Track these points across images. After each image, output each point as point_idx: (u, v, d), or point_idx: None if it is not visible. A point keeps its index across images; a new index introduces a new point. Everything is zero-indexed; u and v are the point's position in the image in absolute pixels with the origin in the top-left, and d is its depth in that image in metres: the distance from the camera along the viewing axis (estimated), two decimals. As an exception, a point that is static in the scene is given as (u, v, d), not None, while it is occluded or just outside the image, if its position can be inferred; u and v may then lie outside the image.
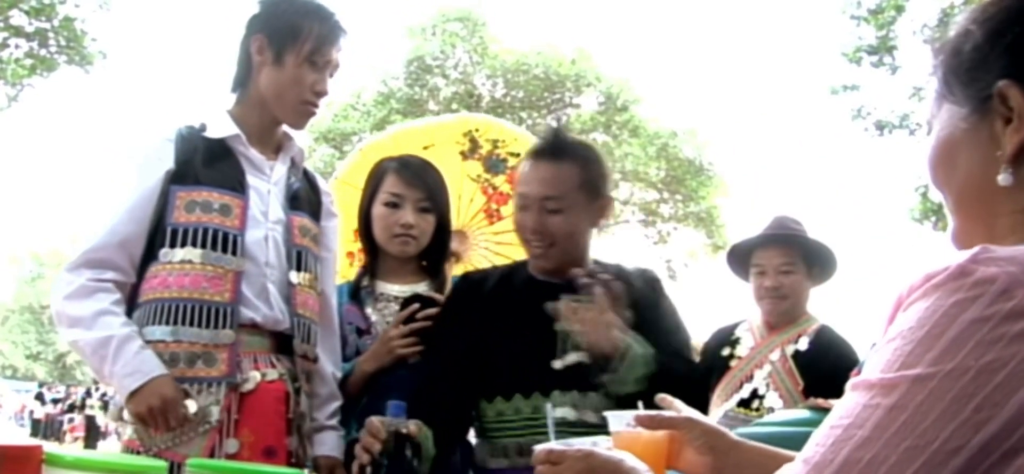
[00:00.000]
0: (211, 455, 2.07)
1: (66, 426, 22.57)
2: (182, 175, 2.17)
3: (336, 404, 2.37)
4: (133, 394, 2.04)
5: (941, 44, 0.97)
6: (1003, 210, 0.90)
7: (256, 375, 2.17)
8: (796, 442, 1.53)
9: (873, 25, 13.75)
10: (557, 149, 2.21)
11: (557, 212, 2.17)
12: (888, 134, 14.18)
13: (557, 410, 2.03)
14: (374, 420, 1.81)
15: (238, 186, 2.21)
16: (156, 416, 2.03)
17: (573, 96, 21.93)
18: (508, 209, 3.47)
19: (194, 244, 2.13)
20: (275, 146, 2.34)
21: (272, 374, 2.20)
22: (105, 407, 20.59)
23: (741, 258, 3.21)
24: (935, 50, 0.98)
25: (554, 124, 2.65)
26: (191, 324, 2.11)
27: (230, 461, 2.04)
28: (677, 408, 1.40)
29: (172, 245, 2.14)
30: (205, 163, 2.20)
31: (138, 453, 2.07)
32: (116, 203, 2.18)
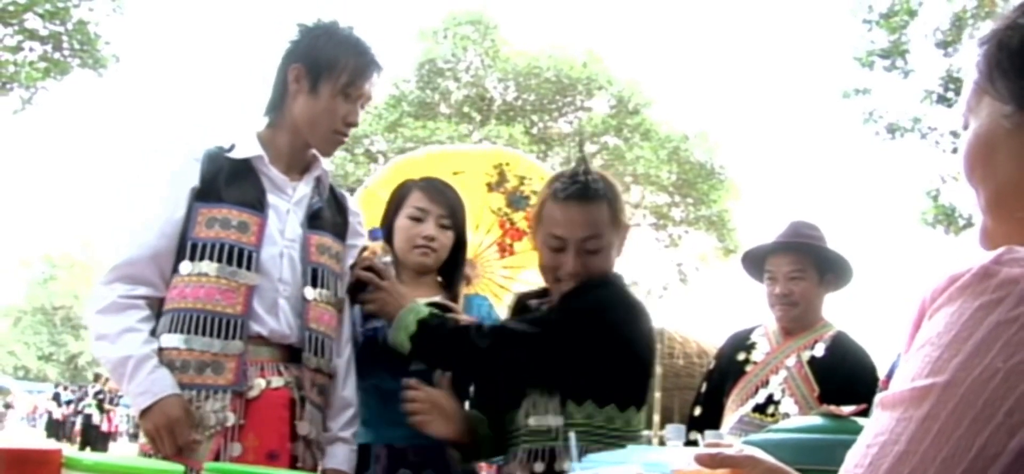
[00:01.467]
0: (216, 459, 2.14)
1: (78, 428, 22.63)
2: (206, 193, 2.26)
3: (350, 413, 2.39)
4: (144, 413, 2.14)
5: (984, 36, 0.94)
6: None
7: (261, 382, 2.23)
8: (811, 449, 1.53)
9: (885, 29, 13.70)
10: (588, 190, 2.24)
11: (596, 252, 2.22)
12: (900, 138, 14.13)
13: (531, 419, 2.22)
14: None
15: (258, 205, 2.29)
16: (161, 434, 2.11)
17: (584, 99, 21.94)
18: (521, 245, 3.54)
19: (211, 258, 2.21)
20: (302, 168, 2.41)
21: (277, 382, 2.26)
22: (100, 406, 20.67)
23: (756, 263, 3.21)
24: (978, 42, 0.95)
25: (577, 163, 2.67)
26: (203, 333, 2.19)
27: (243, 465, 2.07)
28: (737, 446, 1.34)
29: (191, 259, 2.22)
30: (227, 182, 2.28)
31: (150, 456, 2.14)
32: (146, 218, 2.27)
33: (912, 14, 13.51)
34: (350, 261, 2.46)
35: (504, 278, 3.44)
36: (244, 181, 2.30)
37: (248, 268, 2.23)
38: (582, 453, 2.09)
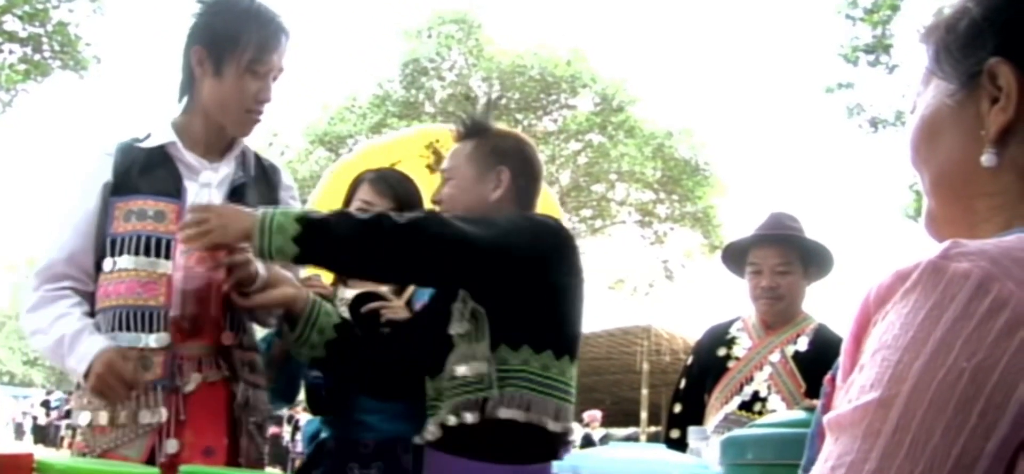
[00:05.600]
0: (151, 456, 2.11)
1: (64, 432, 22.55)
2: (120, 186, 2.22)
3: None
4: (86, 376, 2.08)
5: (935, 21, 0.94)
6: (983, 192, 0.87)
7: (197, 377, 2.19)
8: (795, 444, 1.52)
9: (868, 24, 13.78)
10: (460, 131, 2.34)
11: (446, 181, 2.29)
12: (883, 132, 14.23)
13: (459, 368, 2.09)
14: None
15: (174, 192, 2.23)
16: (109, 382, 2.05)
17: (569, 97, 21.97)
18: None
19: (130, 252, 2.17)
20: (221, 150, 2.34)
21: (214, 376, 2.21)
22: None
23: (737, 256, 3.18)
24: (928, 28, 0.95)
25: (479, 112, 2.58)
26: (127, 329, 2.15)
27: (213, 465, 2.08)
28: None
29: (112, 254, 2.19)
30: (142, 172, 2.23)
31: (84, 454, 2.12)
32: (61, 220, 2.25)
33: (895, 9, 13.58)
34: None
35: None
36: (159, 169, 2.24)
37: (168, 257, 2.17)
38: (520, 402, 2.05)
